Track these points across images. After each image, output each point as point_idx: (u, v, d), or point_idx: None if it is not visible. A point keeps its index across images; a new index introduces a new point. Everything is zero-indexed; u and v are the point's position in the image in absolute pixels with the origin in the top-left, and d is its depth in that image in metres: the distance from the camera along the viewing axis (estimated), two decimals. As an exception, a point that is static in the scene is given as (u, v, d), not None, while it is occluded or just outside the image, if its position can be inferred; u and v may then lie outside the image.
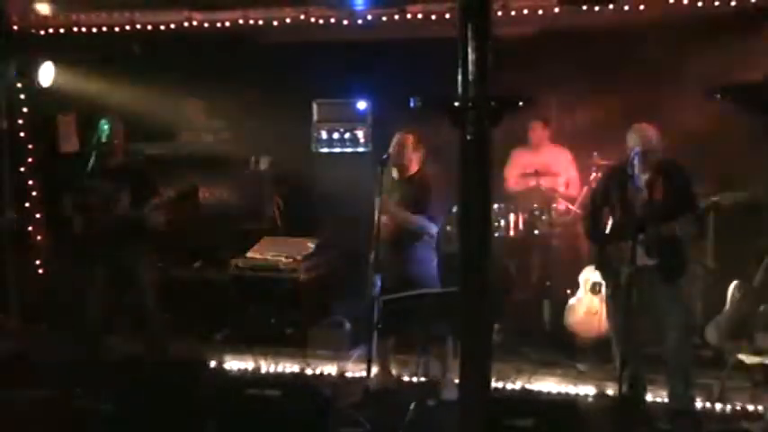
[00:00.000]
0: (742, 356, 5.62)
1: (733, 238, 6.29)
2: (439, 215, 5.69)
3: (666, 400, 5.39)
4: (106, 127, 5.80)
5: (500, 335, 6.54)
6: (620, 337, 5.31)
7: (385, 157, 5.63)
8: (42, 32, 7.21)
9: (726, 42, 6.23)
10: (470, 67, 3.56)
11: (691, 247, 5.42)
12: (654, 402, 5.49)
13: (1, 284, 7.18)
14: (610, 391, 5.63)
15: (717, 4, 6.01)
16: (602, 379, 5.84)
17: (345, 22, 6.70)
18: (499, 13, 6.14)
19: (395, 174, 5.72)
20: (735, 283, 5.86)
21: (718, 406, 5.47)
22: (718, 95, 3.64)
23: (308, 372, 6.30)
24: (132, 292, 6.07)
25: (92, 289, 5.88)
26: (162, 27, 7.02)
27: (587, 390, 5.80)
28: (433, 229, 5.63)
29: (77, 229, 5.80)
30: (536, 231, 6.90)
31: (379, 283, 5.50)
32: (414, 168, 5.73)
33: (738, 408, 5.46)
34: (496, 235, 6.77)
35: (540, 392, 5.87)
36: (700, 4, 6.01)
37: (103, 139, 5.80)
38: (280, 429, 4.38)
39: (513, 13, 6.31)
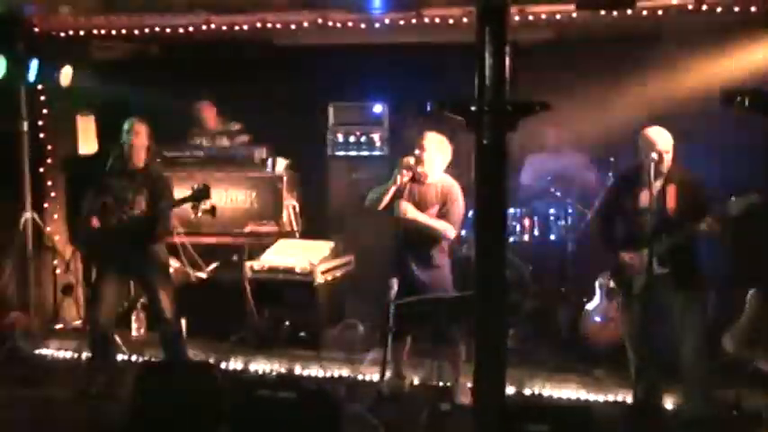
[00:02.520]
0: (759, 364, 5.59)
1: (751, 245, 6.24)
2: (458, 220, 5.68)
3: (682, 407, 5.35)
4: (127, 129, 5.85)
5: (515, 340, 6.52)
6: (635, 344, 5.29)
7: (405, 158, 5.65)
8: (63, 35, 7.27)
9: (744, 48, 6.20)
10: (487, 72, 3.56)
11: (705, 254, 5.39)
12: (670, 410, 5.46)
13: (20, 284, 7.23)
14: (625, 399, 5.61)
15: (736, 9, 5.97)
16: (617, 386, 5.82)
17: (363, 26, 6.71)
18: (516, 18, 6.12)
19: (415, 176, 5.70)
20: (752, 290, 5.82)
21: (735, 414, 5.43)
22: (735, 100, 3.62)
23: (322, 374, 6.31)
24: (148, 293, 6.09)
25: (106, 289, 5.91)
26: (180, 30, 7.05)
27: (603, 396, 5.78)
28: (452, 233, 5.62)
29: (95, 230, 5.83)
30: (552, 236, 6.88)
31: (395, 286, 5.51)
32: (435, 171, 5.71)
33: (755, 416, 5.42)
34: (512, 240, 6.75)
35: (554, 398, 5.85)
36: (719, 9, 5.97)
37: (124, 142, 5.85)
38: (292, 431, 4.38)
39: (530, 17, 6.29)
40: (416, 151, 5.64)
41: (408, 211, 5.57)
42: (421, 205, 5.63)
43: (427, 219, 5.60)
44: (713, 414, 5.26)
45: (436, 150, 5.64)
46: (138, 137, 5.87)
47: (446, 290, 5.57)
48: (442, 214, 5.61)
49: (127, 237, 5.73)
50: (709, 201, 5.09)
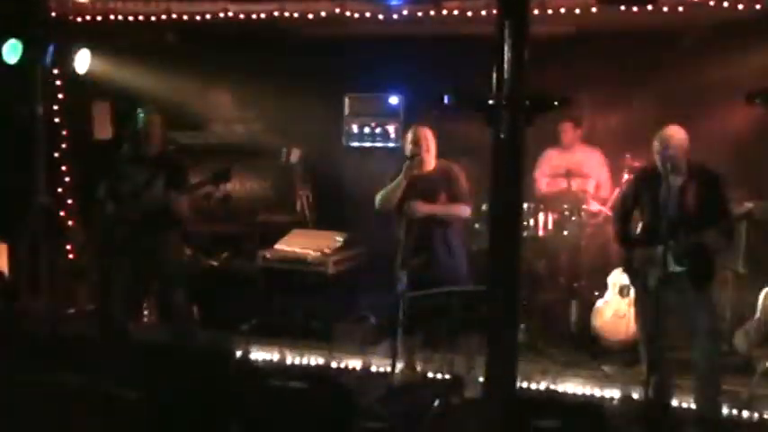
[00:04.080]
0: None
1: (765, 245, 6.21)
2: (468, 196, 5.71)
3: (693, 406, 5.34)
4: (142, 116, 5.85)
5: (526, 334, 6.51)
6: (647, 341, 5.26)
7: (411, 154, 5.64)
8: (80, 19, 7.27)
9: (766, 46, 6.15)
10: (506, 66, 3.55)
11: (721, 254, 5.36)
12: (680, 408, 5.44)
13: (32, 268, 7.26)
14: (635, 395, 5.60)
15: (758, 7, 5.91)
16: (627, 382, 5.80)
17: (381, 17, 6.69)
18: (536, 12, 6.08)
19: (415, 169, 5.70)
20: (766, 289, 5.79)
21: (746, 413, 5.41)
22: (759, 100, 3.59)
23: (333, 365, 6.31)
24: (160, 280, 6.10)
25: (120, 275, 5.92)
26: (198, 17, 7.05)
27: (613, 393, 5.76)
28: (468, 211, 5.69)
29: (109, 216, 5.84)
30: (565, 232, 6.85)
31: (405, 279, 5.51)
32: (433, 162, 5.74)
33: (766, 416, 5.39)
34: (525, 234, 6.72)
35: (564, 394, 5.83)
36: (740, 6, 5.91)
37: (139, 128, 5.85)
38: (303, 421, 4.38)
39: (550, 11, 6.26)
40: (413, 146, 5.65)
41: (421, 208, 5.58)
42: (429, 194, 5.66)
43: (441, 208, 5.65)
44: (724, 413, 5.25)
45: (431, 140, 5.70)
46: (153, 125, 5.87)
47: (461, 282, 5.57)
48: (453, 196, 5.66)
49: (142, 223, 5.74)
50: (729, 202, 5.05)
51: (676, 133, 5.08)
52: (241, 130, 7.81)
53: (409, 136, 5.75)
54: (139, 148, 5.88)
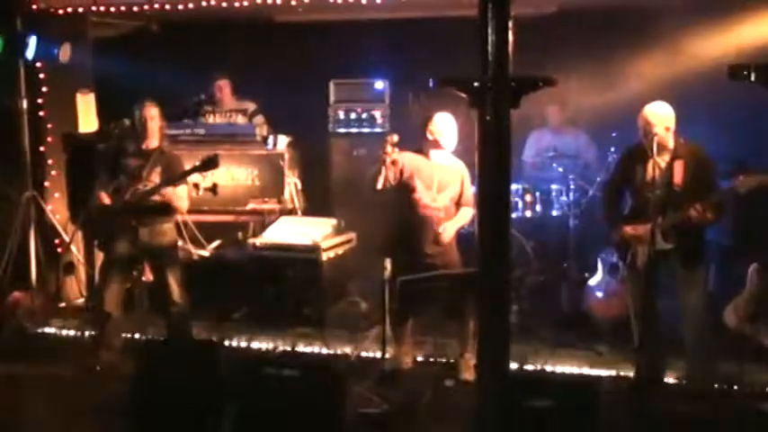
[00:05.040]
0: (761, 339, 5.59)
1: (753, 219, 6.24)
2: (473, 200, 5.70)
3: (685, 382, 5.37)
4: (140, 109, 5.82)
5: (518, 316, 6.53)
6: (638, 318, 5.29)
7: (389, 136, 5.61)
8: (62, 11, 7.22)
9: (751, 22, 6.15)
10: (490, 47, 3.53)
11: (709, 229, 5.37)
12: (672, 384, 5.47)
13: (21, 263, 7.22)
14: (628, 373, 5.62)
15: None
16: (620, 361, 5.83)
17: (364, 2, 6.66)
18: (519, -8, 6.07)
19: (436, 158, 5.67)
20: (754, 264, 5.82)
21: (737, 388, 5.44)
22: (742, 75, 3.59)
23: (325, 351, 6.32)
24: (156, 271, 6.08)
25: (114, 268, 5.90)
26: (180, 6, 7.00)
27: (605, 371, 5.79)
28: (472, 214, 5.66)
29: (104, 208, 5.81)
30: (554, 212, 6.87)
31: (389, 266, 5.51)
32: (450, 152, 5.72)
33: (757, 390, 5.43)
34: (514, 215, 6.74)
35: (557, 374, 5.86)
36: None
37: (136, 121, 5.81)
38: (296, 408, 4.39)
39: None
40: (449, 136, 5.60)
41: (450, 232, 5.59)
42: (441, 186, 5.64)
43: (462, 222, 5.66)
44: (715, 388, 5.28)
45: (453, 129, 5.63)
46: (153, 117, 5.84)
47: (454, 267, 5.58)
48: (460, 196, 5.66)
49: (138, 215, 5.71)
50: (716, 177, 5.07)
51: (661, 110, 5.08)
52: (241, 120, 7.77)
53: (447, 125, 5.61)
54: (137, 140, 5.85)
